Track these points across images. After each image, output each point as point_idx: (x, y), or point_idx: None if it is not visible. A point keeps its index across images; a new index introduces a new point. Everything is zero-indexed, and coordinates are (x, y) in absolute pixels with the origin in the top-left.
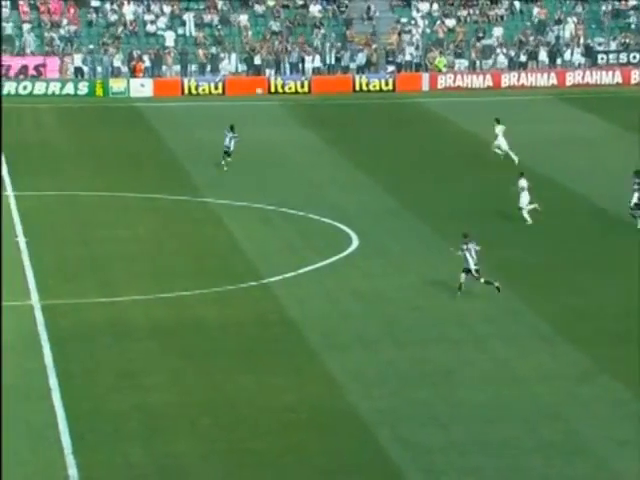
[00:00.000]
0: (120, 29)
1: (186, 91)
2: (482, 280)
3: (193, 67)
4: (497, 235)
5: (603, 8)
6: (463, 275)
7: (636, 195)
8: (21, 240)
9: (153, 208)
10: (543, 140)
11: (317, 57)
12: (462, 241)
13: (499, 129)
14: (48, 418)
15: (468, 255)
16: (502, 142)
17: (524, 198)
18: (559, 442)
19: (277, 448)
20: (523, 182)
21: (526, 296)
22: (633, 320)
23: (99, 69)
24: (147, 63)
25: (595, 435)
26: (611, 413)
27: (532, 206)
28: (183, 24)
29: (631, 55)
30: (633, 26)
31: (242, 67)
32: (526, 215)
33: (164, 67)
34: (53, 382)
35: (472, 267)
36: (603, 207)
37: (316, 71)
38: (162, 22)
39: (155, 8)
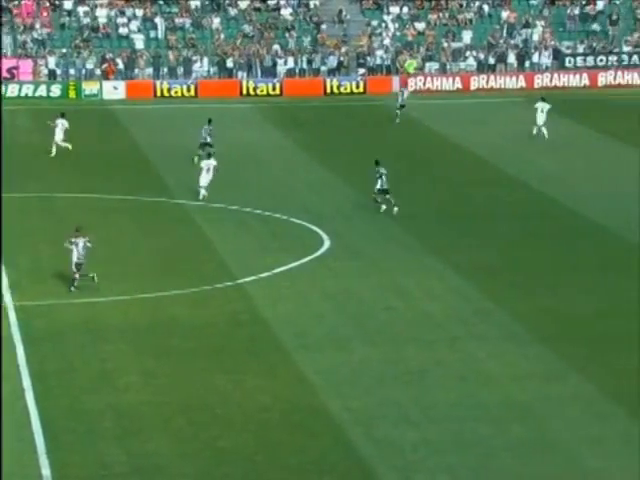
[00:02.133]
0: (90, 32)
1: (159, 93)
2: (77, 276)
3: (165, 70)
4: (469, 236)
5: (569, 12)
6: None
7: (379, 182)
8: None
9: (127, 209)
10: (512, 142)
11: (289, 60)
12: (72, 234)
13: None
14: (22, 418)
15: (75, 249)
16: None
17: None
18: (530, 440)
19: (251, 447)
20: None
21: (497, 297)
22: (603, 320)
23: (72, 71)
24: (120, 66)
25: (566, 433)
26: (581, 412)
27: None
28: (155, 27)
29: (598, 58)
30: (599, 29)
31: (215, 70)
32: None
33: (137, 70)
34: (27, 383)
35: (75, 260)
36: (572, 208)
37: (288, 74)
38: (135, 25)
39: (128, 11)
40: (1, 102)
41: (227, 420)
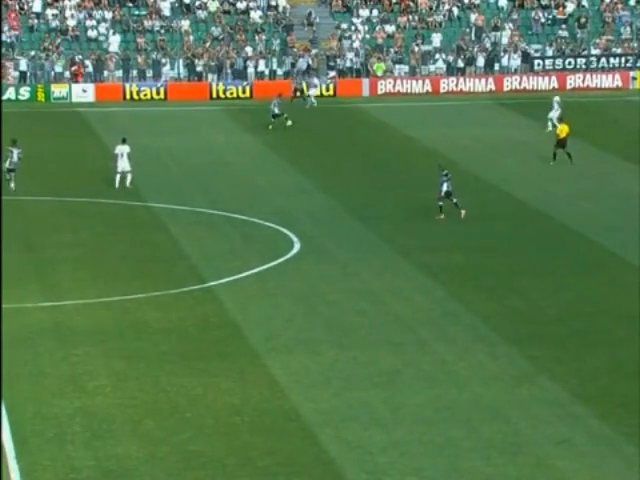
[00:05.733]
0: (61, 35)
1: (128, 96)
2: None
3: (135, 72)
4: (437, 238)
5: (537, 15)
6: None
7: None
8: None
9: (96, 213)
10: (482, 144)
11: (260, 62)
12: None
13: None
14: None
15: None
16: (554, 114)
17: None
18: (499, 442)
19: (221, 450)
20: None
21: (466, 298)
22: (571, 321)
23: (40, 74)
24: (89, 68)
25: (534, 435)
26: (549, 413)
27: None
28: (125, 30)
29: (567, 61)
30: (568, 33)
31: (184, 73)
32: None
33: (106, 72)
34: None
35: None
36: (541, 211)
37: (258, 77)
38: (104, 27)
39: (97, 14)
40: (1, 104)
41: (197, 423)
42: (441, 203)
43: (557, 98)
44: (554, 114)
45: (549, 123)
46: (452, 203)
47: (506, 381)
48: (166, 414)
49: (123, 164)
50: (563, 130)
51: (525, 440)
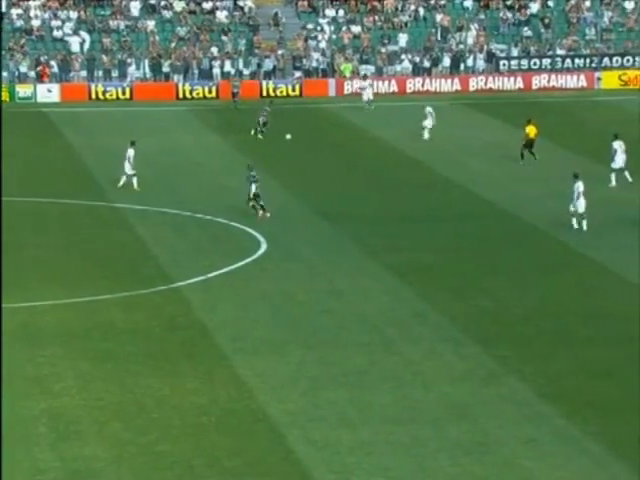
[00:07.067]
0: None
1: (93, 96)
2: None
3: (100, 72)
4: (405, 238)
5: (502, 15)
6: None
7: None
8: None
9: (63, 213)
10: (448, 144)
11: (227, 63)
12: None
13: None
14: None
15: None
16: (428, 123)
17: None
18: (466, 441)
19: (188, 451)
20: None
21: (433, 298)
22: (538, 322)
23: (5, 74)
24: (54, 68)
25: (501, 434)
26: (516, 413)
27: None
28: (90, 30)
29: (532, 61)
30: (533, 33)
31: (150, 73)
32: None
33: (72, 72)
34: None
35: None
36: (508, 210)
37: (225, 77)
38: (69, 27)
39: (62, 14)
40: (1, 107)
41: (164, 424)
42: (252, 204)
43: (429, 108)
44: (428, 123)
45: (424, 131)
46: (259, 205)
47: (473, 381)
48: (133, 415)
49: (129, 167)
50: (531, 131)
51: (492, 440)
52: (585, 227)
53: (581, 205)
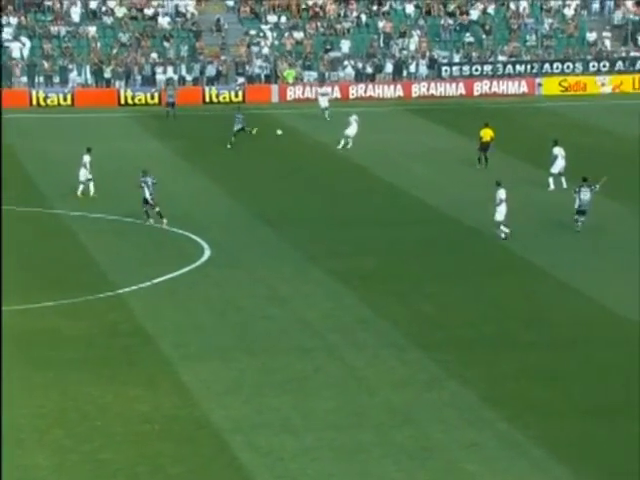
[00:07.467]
0: None
1: (34, 102)
2: None
3: (41, 79)
4: (347, 243)
5: (443, 22)
6: None
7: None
8: None
9: (3, 220)
10: (391, 150)
11: (169, 69)
12: None
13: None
14: None
15: None
16: (351, 132)
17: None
18: (409, 446)
19: (131, 458)
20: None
21: (376, 304)
22: (480, 326)
23: None
24: None
25: (444, 439)
26: (459, 417)
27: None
28: (31, 35)
29: (474, 67)
30: (474, 39)
31: (92, 79)
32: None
33: (12, 78)
34: None
35: None
36: (450, 215)
37: (167, 83)
38: (9, 33)
39: (2, 19)
40: (0, 112)
41: (107, 431)
42: (145, 209)
43: (355, 116)
44: (351, 131)
45: (343, 140)
46: (151, 209)
47: (416, 386)
48: (75, 423)
49: (85, 173)
50: (486, 134)
51: (435, 444)
52: (503, 235)
53: (501, 212)
